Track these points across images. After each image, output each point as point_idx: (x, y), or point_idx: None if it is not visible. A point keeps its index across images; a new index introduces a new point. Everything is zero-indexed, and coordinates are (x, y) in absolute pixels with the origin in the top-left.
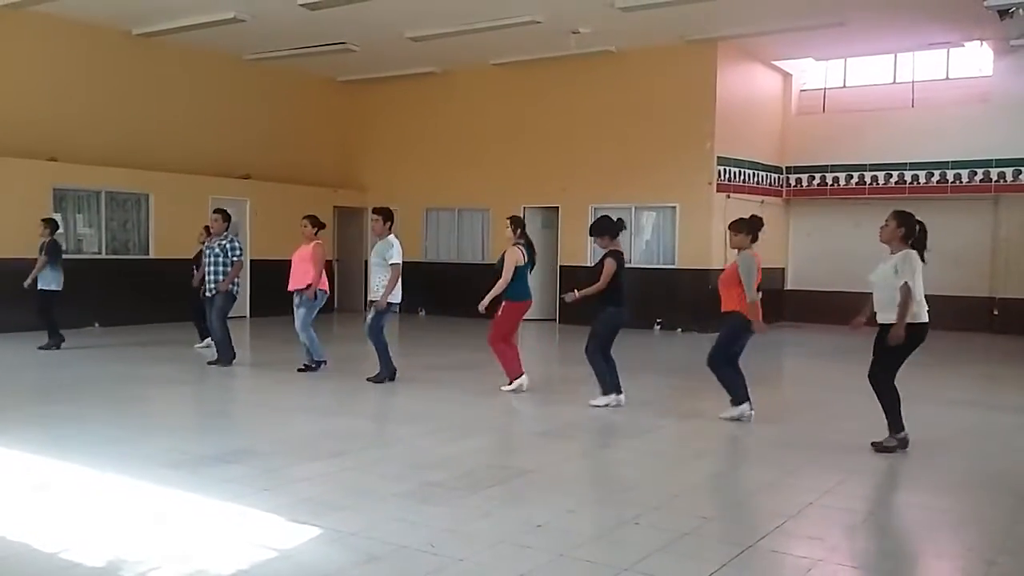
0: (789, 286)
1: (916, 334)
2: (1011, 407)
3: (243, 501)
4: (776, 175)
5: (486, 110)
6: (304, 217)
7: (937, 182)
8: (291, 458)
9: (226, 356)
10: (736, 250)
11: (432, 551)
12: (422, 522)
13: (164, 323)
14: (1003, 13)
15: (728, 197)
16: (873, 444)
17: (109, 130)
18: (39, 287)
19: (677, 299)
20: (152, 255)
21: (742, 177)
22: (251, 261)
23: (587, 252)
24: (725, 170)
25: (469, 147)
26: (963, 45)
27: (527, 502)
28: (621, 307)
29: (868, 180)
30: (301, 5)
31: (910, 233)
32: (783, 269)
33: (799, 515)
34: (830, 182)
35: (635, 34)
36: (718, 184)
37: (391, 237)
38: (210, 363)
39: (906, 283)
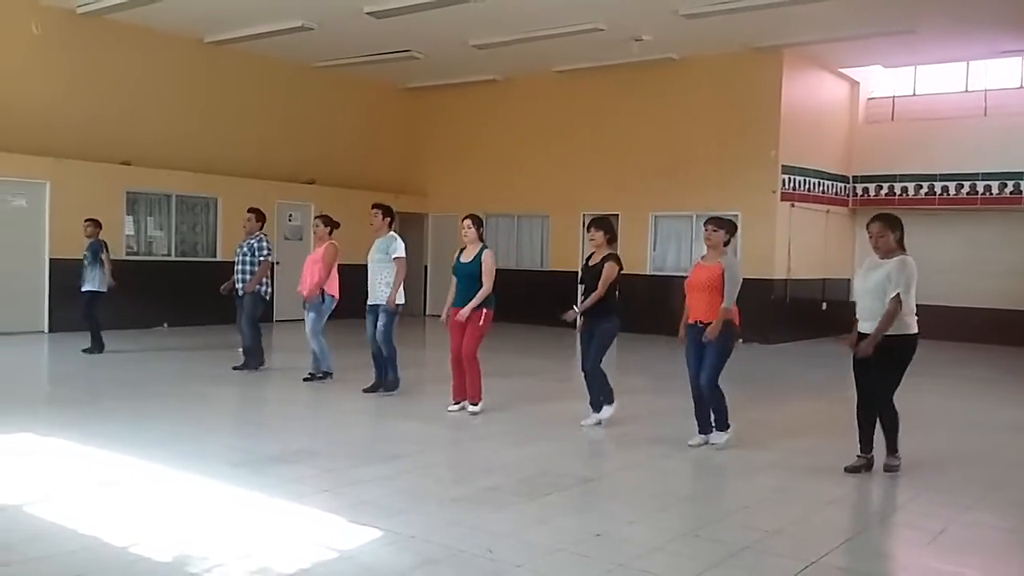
0: (856, 297)
1: (912, 345)
2: None
3: (304, 501)
4: (842, 184)
5: (547, 117)
6: (316, 217)
7: (1011, 193)
8: (349, 460)
9: (255, 361)
10: (712, 249)
11: (489, 556)
12: (480, 527)
13: (230, 324)
14: None
15: (792, 206)
16: (885, 468)
17: (180, 135)
18: (86, 289)
19: (740, 309)
20: (219, 257)
21: (807, 186)
22: None
23: (647, 260)
24: (790, 179)
25: (529, 154)
26: None
27: (585, 510)
28: (618, 317)
29: (938, 190)
30: (367, 13)
31: (902, 236)
32: (849, 280)
33: (866, 531)
34: (899, 192)
35: (699, 41)
36: (782, 193)
37: (393, 233)
38: (235, 368)
39: (898, 295)
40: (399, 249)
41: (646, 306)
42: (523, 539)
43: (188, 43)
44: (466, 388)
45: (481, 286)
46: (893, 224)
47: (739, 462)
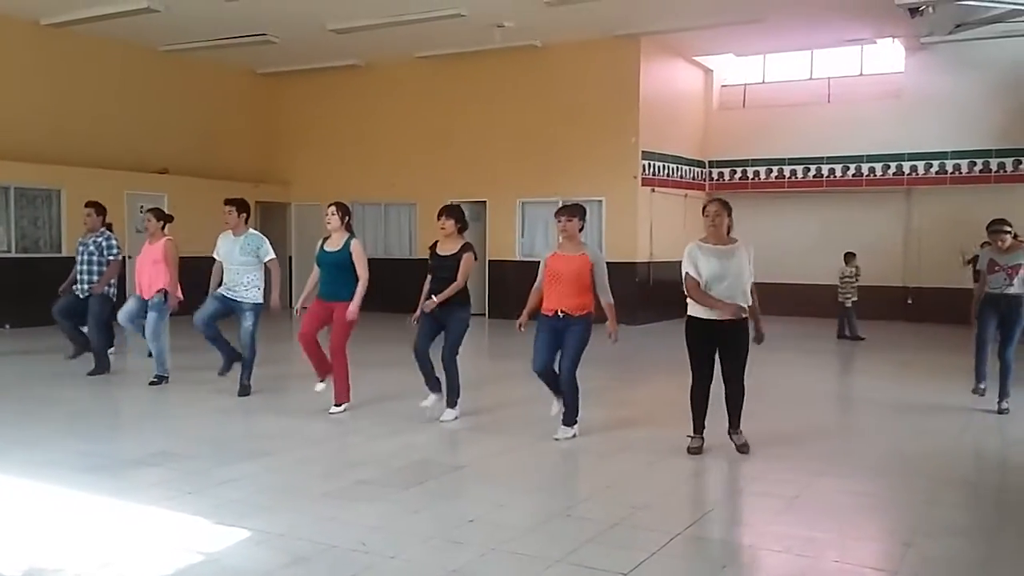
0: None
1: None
2: (924, 393)
3: (165, 505)
4: (699, 169)
5: (411, 104)
6: (148, 210)
7: (852, 176)
8: (214, 460)
9: (102, 365)
10: (568, 239)
11: (362, 550)
12: (352, 521)
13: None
14: (913, 11)
15: (653, 191)
16: (740, 448)
17: (18, 124)
18: None
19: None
20: (65, 253)
21: (666, 171)
22: None
23: (516, 246)
24: (650, 164)
25: (395, 141)
26: (876, 42)
27: (458, 497)
28: (470, 306)
29: (787, 174)
30: None
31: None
32: None
33: (727, 502)
34: (751, 176)
35: (560, 29)
36: (643, 178)
37: (255, 232)
38: (67, 357)
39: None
40: (271, 251)
41: (516, 291)
42: (396, 530)
43: (24, 25)
44: (326, 375)
45: (350, 276)
46: (728, 208)
47: (607, 442)
